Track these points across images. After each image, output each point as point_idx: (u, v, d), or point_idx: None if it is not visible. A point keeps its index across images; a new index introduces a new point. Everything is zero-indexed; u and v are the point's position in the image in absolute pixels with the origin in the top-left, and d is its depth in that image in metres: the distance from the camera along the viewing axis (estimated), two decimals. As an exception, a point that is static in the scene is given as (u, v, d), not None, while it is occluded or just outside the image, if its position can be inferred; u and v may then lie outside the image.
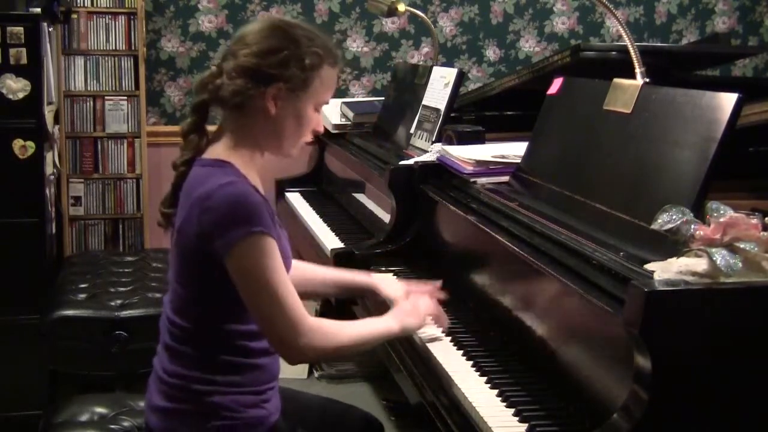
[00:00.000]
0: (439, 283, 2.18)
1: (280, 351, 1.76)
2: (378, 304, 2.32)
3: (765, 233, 1.47)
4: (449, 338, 2.03)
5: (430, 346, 1.99)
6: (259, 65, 1.74)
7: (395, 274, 2.51)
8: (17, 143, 3.21)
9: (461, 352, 1.96)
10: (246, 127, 1.79)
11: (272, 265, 1.69)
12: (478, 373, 1.85)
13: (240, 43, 1.78)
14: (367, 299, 2.40)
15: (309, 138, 1.85)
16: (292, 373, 3.48)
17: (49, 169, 3.43)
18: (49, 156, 3.44)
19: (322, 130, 1.86)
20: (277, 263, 1.70)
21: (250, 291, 1.69)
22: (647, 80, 2.03)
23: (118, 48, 4.00)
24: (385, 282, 2.20)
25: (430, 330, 2.05)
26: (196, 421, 1.78)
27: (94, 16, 3.98)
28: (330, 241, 2.94)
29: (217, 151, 1.80)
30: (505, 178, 2.38)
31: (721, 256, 1.43)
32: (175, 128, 4.27)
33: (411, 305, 2.02)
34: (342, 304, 2.52)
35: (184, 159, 1.80)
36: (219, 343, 1.78)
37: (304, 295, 1.82)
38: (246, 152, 1.79)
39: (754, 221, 1.48)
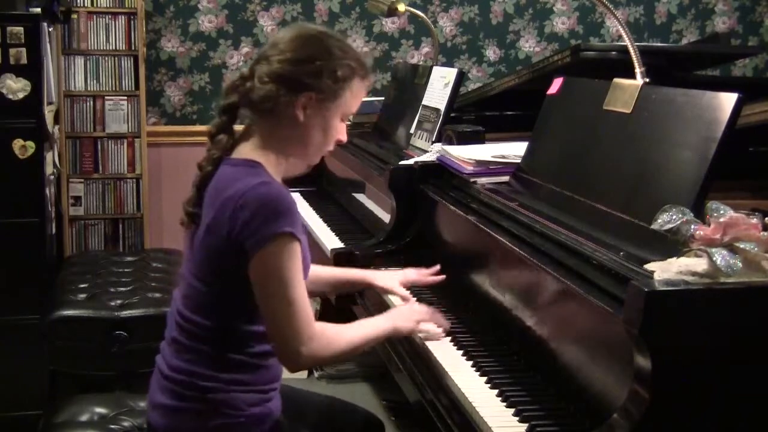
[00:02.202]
0: (437, 267, 2.24)
1: (281, 356, 1.77)
2: (378, 305, 2.33)
3: (765, 233, 1.47)
4: (449, 338, 2.03)
5: (430, 346, 1.99)
6: (292, 73, 1.76)
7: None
8: (17, 143, 3.21)
9: (461, 352, 1.95)
10: (274, 132, 1.81)
11: (295, 268, 1.71)
12: (478, 373, 1.85)
13: (274, 48, 1.80)
14: (366, 298, 2.41)
15: (332, 147, 1.88)
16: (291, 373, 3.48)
17: (49, 169, 3.43)
18: (49, 156, 3.44)
19: (345, 140, 1.89)
20: (299, 268, 1.72)
21: (267, 291, 1.71)
22: (647, 80, 2.03)
23: (118, 48, 4.00)
24: (380, 275, 2.25)
25: (429, 327, 2.06)
26: (199, 419, 1.78)
27: (94, 16, 3.98)
28: (330, 241, 2.94)
29: (246, 151, 1.81)
30: (505, 178, 2.38)
31: (721, 256, 1.43)
32: (175, 128, 4.30)
33: (407, 308, 2.05)
34: (342, 302, 2.52)
35: (211, 158, 1.81)
36: (230, 342, 1.79)
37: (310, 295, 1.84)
38: (273, 156, 1.81)
39: (754, 221, 1.48)
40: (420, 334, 2.02)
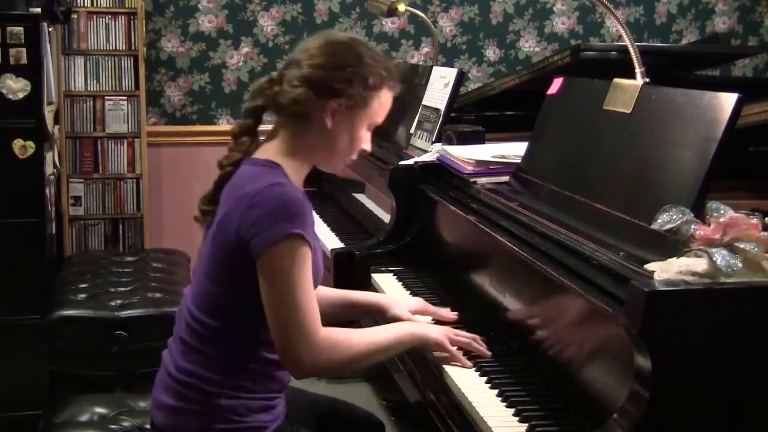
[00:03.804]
0: (454, 314, 2.11)
1: (285, 362, 1.73)
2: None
3: (765, 233, 1.47)
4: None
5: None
6: (324, 78, 1.76)
7: (395, 274, 2.51)
8: (17, 143, 3.21)
9: (462, 352, 1.95)
10: (300, 137, 1.80)
11: (303, 272, 1.67)
12: (478, 373, 1.85)
13: (304, 53, 1.79)
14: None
15: (355, 156, 1.87)
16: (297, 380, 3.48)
17: (49, 169, 3.43)
18: (49, 156, 3.44)
19: (369, 149, 1.87)
20: (308, 272, 1.69)
21: (274, 293, 1.67)
22: (647, 80, 2.03)
23: (118, 48, 4.00)
24: (395, 303, 2.10)
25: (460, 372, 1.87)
26: (202, 422, 1.78)
27: (94, 16, 3.98)
28: (330, 241, 2.94)
29: (269, 152, 1.80)
30: (505, 178, 2.38)
31: (721, 256, 1.43)
32: (175, 128, 4.30)
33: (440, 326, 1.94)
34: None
35: (232, 159, 1.81)
36: (239, 348, 1.77)
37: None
38: (297, 160, 1.80)
39: (754, 221, 1.48)
40: (444, 356, 1.89)
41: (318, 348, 1.68)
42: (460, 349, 1.91)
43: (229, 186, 1.77)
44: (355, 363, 1.79)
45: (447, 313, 2.12)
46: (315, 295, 1.72)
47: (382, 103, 1.83)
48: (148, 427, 2.14)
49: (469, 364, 1.87)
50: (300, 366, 1.71)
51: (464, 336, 1.92)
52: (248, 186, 1.71)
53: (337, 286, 2.44)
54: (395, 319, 2.02)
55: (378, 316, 2.10)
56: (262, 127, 1.87)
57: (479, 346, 1.90)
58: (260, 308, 1.71)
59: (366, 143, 1.85)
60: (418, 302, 2.14)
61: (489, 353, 1.89)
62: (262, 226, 1.66)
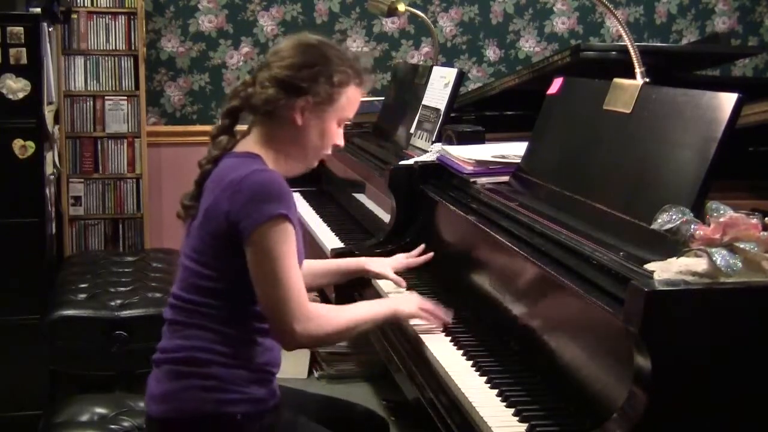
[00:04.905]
0: (421, 247, 2.41)
1: (277, 335, 1.82)
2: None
3: (765, 233, 1.47)
4: (449, 338, 2.03)
5: (430, 346, 1.99)
6: (291, 77, 1.85)
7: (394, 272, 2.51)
8: (17, 143, 3.21)
9: (461, 352, 1.95)
10: (273, 134, 1.89)
11: (288, 250, 1.77)
12: (478, 373, 1.85)
13: (275, 56, 1.90)
14: (365, 297, 2.40)
15: (329, 151, 1.96)
16: (291, 372, 3.47)
17: (49, 169, 3.43)
18: (49, 156, 3.44)
19: (342, 144, 1.97)
20: (293, 250, 1.78)
21: (261, 271, 1.76)
22: (647, 80, 2.03)
23: (118, 48, 4.00)
24: (372, 261, 2.33)
25: (428, 316, 2.08)
26: (198, 396, 1.80)
27: (94, 16, 3.98)
28: (330, 241, 2.94)
29: (247, 146, 1.90)
30: (505, 178, 2.38)
31: (721, 256, 1.43)
32: (175, 128, 4.30)
33: (410, 294, 2.15)
34: (342, 302, 2.52)
35: (211, 157, 1.89)
36: (227, 319, 1.83)
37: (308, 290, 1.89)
38: (272, 153, 1.89)
39: (754, 221, 1.48)
40: (416, 326, 2.05)
41: (307, 319, 1.78)
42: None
43: (212, 178, 1.86)
44: (340, 334, 1.91)
45: (419, 257, 2.38)
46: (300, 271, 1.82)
47: (350, 99, 1.92)
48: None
49: (438, 330, 2.04)
50: (292, 338, 1.79)
51: (428, 302, 2.07)
52: (231, 174, 1.81)
53: (337, 285, 2.45)
54: (377, 276, 2.30)
55: (362, 275, 2.34)
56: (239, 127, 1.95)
57: (441, 311, 2.06)
58: (247, 284, 1.80)
59: (339, 139, 1.95)
60: (394, 260, 2.35)
61: (447, 318, 2.06)
62: (248, 209, 1.75)
